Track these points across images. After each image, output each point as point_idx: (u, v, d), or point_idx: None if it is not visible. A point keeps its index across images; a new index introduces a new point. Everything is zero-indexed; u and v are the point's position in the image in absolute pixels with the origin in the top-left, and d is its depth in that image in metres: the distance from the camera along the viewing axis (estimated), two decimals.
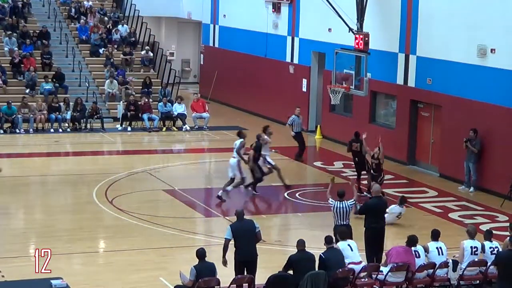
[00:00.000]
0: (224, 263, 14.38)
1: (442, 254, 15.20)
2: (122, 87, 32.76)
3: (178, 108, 31.69)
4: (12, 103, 29.81)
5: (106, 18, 37.35)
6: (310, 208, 21.43)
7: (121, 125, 31.17)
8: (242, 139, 22.13)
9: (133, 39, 36.35)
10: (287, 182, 22.97)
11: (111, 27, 36.60)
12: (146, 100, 31.62)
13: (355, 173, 23.24)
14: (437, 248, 15.23)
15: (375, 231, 16.05)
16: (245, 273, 14.24)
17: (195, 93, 32.07)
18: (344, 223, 16.05)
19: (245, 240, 14.25)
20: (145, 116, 31.02)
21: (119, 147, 29.34)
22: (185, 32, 43.70)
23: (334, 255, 14.35)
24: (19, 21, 35.31)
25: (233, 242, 14.32)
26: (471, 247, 15.24)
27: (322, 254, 14.30)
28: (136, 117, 31.23)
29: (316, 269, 14.05)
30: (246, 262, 14.30)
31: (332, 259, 14.23)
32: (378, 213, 16.13)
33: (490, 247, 15.38)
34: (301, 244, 14.28)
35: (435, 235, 15.36)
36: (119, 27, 36.59)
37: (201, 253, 13.80)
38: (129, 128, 31.15)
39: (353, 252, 14.81)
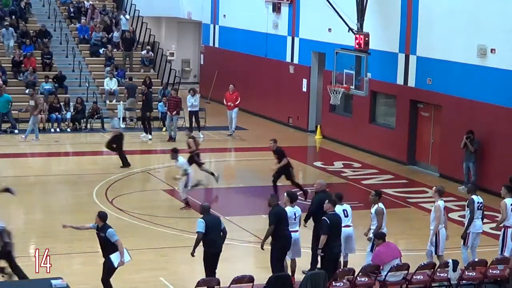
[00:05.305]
0: (193, 254, 14.85)
1: (347, 216, 15.94)
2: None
3: (190, 101, 30.16)
4: (12, 103, 29.87)
5: (106, 18, 37.32)
6: None
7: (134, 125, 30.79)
8: None
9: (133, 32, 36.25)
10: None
11: (114, 21, 36.55)
12: (175, 94, 30.14)
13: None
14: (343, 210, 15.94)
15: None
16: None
17: (232, 85, 31.37)
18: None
19: (215, 233, 14.81)
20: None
21: None
22: (185, 32, 43.70)
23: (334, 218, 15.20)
24: (19, 21, 35.31)
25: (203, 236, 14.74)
26: (445, 207, 16.51)
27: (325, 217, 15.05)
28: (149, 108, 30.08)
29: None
30: (216, 253, 14.81)
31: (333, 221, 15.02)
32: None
33: (478, 202, 16.71)
34: (275, 198, 15.99)
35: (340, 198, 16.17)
36: (121, 16, 36.53)
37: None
38: (149, 137, 29.51)
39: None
